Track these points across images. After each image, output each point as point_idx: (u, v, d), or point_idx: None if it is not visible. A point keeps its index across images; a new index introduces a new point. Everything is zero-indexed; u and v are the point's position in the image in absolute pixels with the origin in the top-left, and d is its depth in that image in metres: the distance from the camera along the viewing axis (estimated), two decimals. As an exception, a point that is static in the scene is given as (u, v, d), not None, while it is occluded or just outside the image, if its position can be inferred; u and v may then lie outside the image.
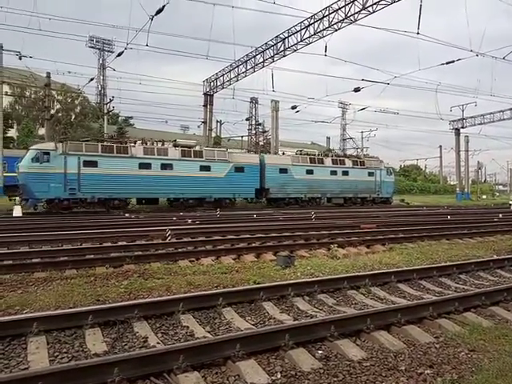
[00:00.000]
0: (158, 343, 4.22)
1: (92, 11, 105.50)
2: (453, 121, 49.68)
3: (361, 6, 23.78)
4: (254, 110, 59.19)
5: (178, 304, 5.02)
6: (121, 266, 7.71)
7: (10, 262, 7.78)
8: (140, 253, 8.76)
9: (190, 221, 15.81)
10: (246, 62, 32.38)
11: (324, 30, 25.97)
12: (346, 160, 32.15)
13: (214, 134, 43.10)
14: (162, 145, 24.71)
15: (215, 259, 8.77)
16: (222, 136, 54.35)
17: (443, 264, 8.26)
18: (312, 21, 26.44)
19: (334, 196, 30.92)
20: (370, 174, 32.46)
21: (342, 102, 61.24)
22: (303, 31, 27.30)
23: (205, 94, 36.62)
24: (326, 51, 25.56)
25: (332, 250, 9.60)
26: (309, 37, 27.05)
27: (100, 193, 21.71)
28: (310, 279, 6.72)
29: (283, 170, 28.26)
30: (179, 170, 23.97)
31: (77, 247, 9.55)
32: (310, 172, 29.36)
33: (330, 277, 6.88)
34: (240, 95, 42.80)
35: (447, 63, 27.06)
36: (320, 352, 4.07)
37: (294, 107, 36.68)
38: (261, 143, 57.67)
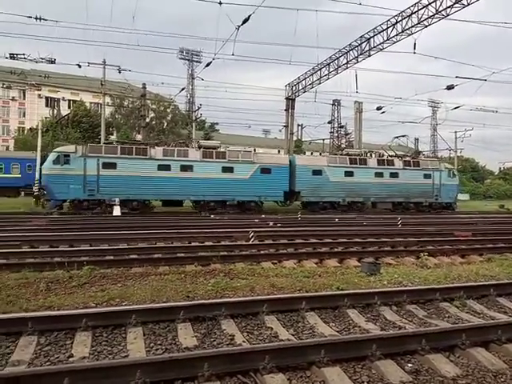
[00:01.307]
0: (243, 342, 4.34)
1: (183, 25, 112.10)
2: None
3: (454, 0, 22.24)
4: (336, 112, 58.31)
5: (262, 305, 5.12)
6: (208, 265, 8.08)
7: (112, 257, 8.55)
8: (225, 253, 9.08)
9: (271, 223, 16.02)
10: (328, 64, 31.92)
11: (413, 26, 24.71)
12: (396, 160, 28.58)
13: (295, 138, 43.15)
14: (184, 146, 24.62)
15: (297, 262, 8.79)
16: (304, 139, 54.23)
17: (553, 279, 7.39)
18: (400, 18, 25.35)
19: (380, 201, 27.80)
20: (427, 177, 28.52)
21: (432, 100, 57.75)
22: (390, 29, 26.26)
23: (287, 98, 36.82)
24: (414, 48, 24.47)
25: (422, 258, 9.10)
26: (396, 35, 25.88)
27: (118, 194, 21.74)
28: (397, 288, 6.46)
29: (317, 172, 26.07)
30: (200, 171, 23.28)
31: (169, 245, 10.20)
32: (349, 174, 26.68)
33: (420, 287, 6.53)
34: (322, 98, 42.45)
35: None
36: (410, 365, 3.88)
37: (379, 108, 35.26)
38: (343, 146, 56.50)
